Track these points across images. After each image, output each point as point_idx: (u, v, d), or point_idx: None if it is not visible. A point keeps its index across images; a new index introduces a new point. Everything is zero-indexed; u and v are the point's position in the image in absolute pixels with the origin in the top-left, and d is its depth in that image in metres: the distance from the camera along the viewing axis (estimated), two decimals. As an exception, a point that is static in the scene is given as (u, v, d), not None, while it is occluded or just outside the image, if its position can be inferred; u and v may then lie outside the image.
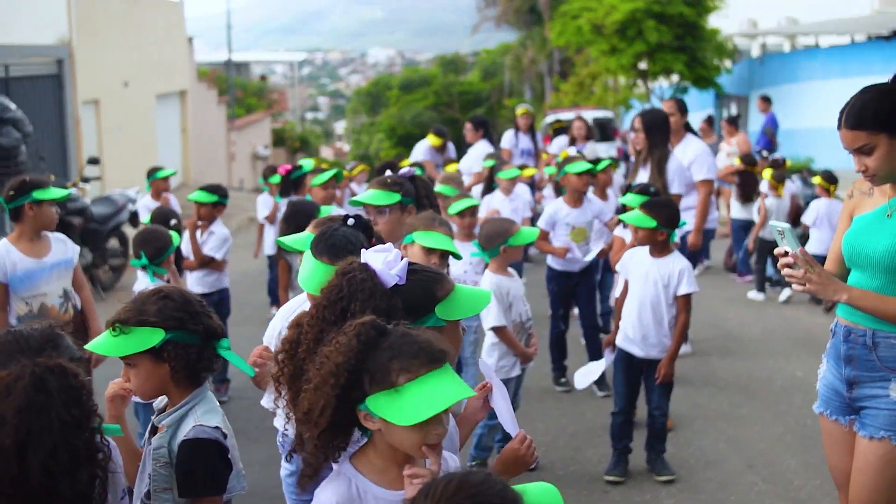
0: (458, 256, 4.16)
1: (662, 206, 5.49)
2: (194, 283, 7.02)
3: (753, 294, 10.46)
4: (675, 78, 25.81)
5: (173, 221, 6.28)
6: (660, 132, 7.28)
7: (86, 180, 12.15)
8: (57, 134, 17.75)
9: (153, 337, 2.63)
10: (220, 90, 35.52)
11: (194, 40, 31.54)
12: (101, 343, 2.67)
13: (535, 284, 9.36)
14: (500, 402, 2.84)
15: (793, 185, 11.59)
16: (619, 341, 5.59)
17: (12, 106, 11.81)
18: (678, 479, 5.59)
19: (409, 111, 49.36)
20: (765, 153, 12.87)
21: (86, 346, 2.68)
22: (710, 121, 15.84)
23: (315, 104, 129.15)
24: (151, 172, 9.24)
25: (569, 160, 7.85)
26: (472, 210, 6.54)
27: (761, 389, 7.29)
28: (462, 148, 13.01)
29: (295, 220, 5.37)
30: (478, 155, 11.20)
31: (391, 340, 2.34)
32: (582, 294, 7.54)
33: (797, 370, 7.68)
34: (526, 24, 42.37)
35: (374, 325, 2.37)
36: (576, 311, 8.01)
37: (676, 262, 5.45)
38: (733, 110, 27.18)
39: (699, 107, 26.35)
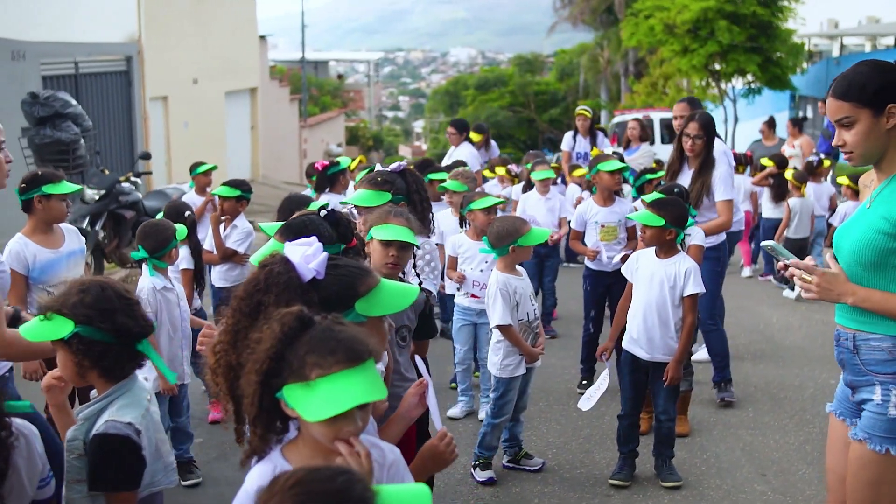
0: (418, 247, 4.14)
1: (671, 205, 5.38)
2: (217, 277, 7.10)
3: (787, 292, 10.51)
4: (748, 79, 25.36)
5: (187, 213, 6.34)
6: (713, 132, 6.81)
7: (138, 175, 12.39)
8: (125, 129, 18.17)
9: (63, 328, 2.66)
10: (294, 88, 35.98)
11: (269, 38, 31.99)
12: (28, 327, 2.71)
13: (575, 284, 9.26)
14: (432, 399, 2.83)
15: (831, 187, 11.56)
16: (625, 343, 5.48)
17: (73, 101, 12.10)
18: (685, 485, 5.46)
19: (484, 111, 49.37)
20: (822, 156, 12.51)
21: (19, 329, 2.72)
22: (771, 122, 15.47)
23: (396, 103, 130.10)
24: (194, 168, 9.37)
25: (600, 158, 7.75)
26: (491, 208, 6.48)
27: (790, 397, 7.10)
28: (533, 148, 12.94)
29: (287, 211, 5.38)
30: (460, 157, 11.07)
31: (312, 334, 2.31)
32: (616, 295, 7.40)
33: (831, 378, 7.45)
34: (602, 23, 42.01)
35: (298, 317, 2.34)
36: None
37: (682, 262, 5.33)
38: (808, 112, 26.54)
39: (774, 108, 25.77)
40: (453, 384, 7.12)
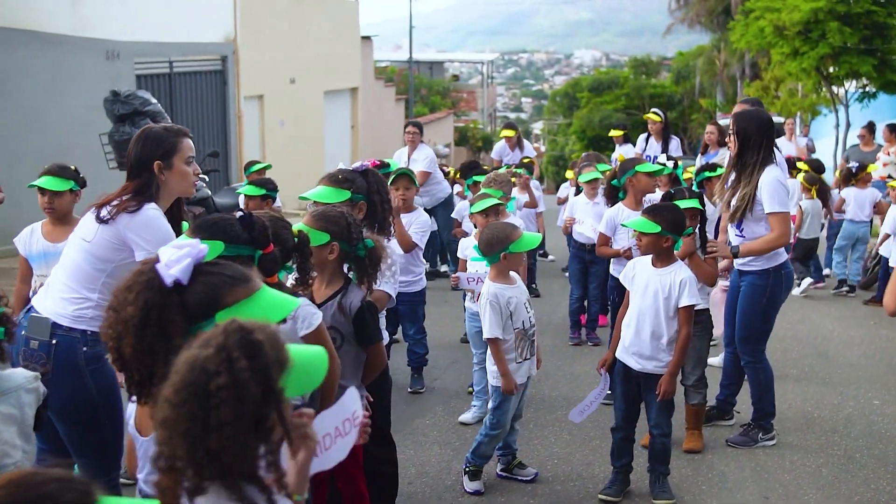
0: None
1: (667, 211, 5.17)
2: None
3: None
4: (862, 82, 24.32)
5: (198, 210, 6.42)
6: (756, 135, 6.01)
7: (206, 173, 12.64)
8: (219, 128, 18.61)
9: None
10: (400, 88, 36.28)
11: (392, 40, 32.25)
12: None
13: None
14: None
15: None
16: (618, 353, 5.30)
17: (152, 100, 12.39)
18: (679, 503, 5.24)
19: (598, 113, 48.90)
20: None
21: None
22: (870, 127, 14.82)
23: (518, 104, 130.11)
24: (248, 166, 9.51)
25: (634, 161, 7.56)
26: (495, 209, 6.36)
27: (823, 416, 6.75)
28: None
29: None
30: (422, 158, 11.12)
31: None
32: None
33: (875, 398, 7.06)
34: (719, 25, 40.97)
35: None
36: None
37: (678, 272, 5.11)
38: (927, 118, 25.29)
39: (892, 113, 24.67)
40: (470, 388, 7.01)
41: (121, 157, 11.75)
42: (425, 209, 11.08)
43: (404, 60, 43.86)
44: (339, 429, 2.61)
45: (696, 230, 5.91)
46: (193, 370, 2.01)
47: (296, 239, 3.70)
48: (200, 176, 12.06)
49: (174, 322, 2.44)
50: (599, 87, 51.63)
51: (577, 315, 8.85)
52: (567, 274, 9.63)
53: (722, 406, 6.59)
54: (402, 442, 6.12)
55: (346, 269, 4.21)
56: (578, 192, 9.35)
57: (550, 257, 13.45)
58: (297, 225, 3.92)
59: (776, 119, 23.34)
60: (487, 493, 5.41)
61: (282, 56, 20.70)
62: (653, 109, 12.37)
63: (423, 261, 7.27)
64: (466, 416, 6.62)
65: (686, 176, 9.54)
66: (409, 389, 7.27)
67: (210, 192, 12.21)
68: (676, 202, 5.62)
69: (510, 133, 13.15)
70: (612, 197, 7.20)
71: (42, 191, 5.69)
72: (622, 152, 12.16)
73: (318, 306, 4.08)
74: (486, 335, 5.25)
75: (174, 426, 1.99)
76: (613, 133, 13.79)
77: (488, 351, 5.46)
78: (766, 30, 24.84)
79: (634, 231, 5.30)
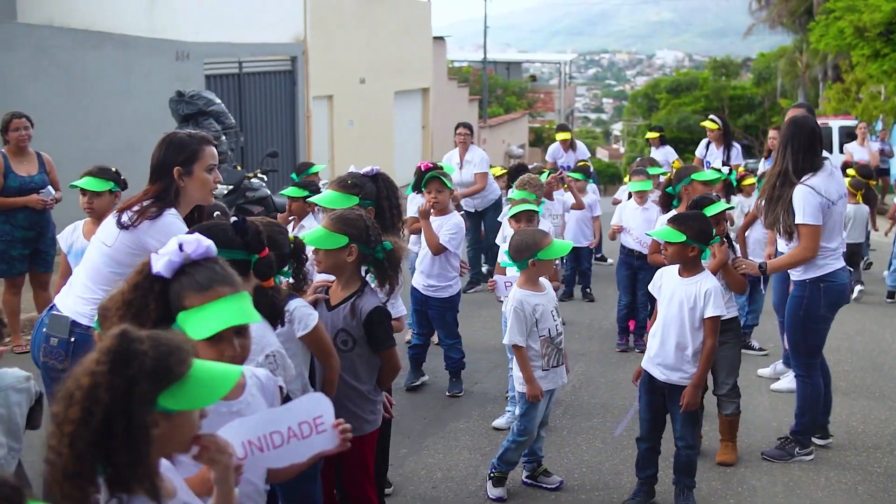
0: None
1: (692, 220, 5.08)
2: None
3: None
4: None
5: (216, 214, 6.50)
6: (795, 143, 5.83)
7: (265, 172, 12.81)
8: (288, 128, 18.84)
9: None
10: (475, 89, 36.27)
11: (470, 40, 32.28)
12: None
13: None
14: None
15: None
16: (644, 362, 5.24)
17: (216, 100, 12.62)
18: (704, 518, 5.16)
19: (676, 115, 48.31)
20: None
21: None
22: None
23: (599, 105, 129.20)
24: (301, 168, 9.60)
25: (688, 169, 7.44)
26: (527, 215, 6.32)
27: (868, 431, 6.57)
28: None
29: None
30: (477, 160, 11.28)
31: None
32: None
33: (926, 415, 6.85)
34: (801, 26, 40.08)
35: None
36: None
37: (704, 282, 5.02)
38: None
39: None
40: (508, 393, 6.99)
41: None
42: (476, 211, 11.12)
43: (481, 61, 43.80)
44: (292, 429, 2.64)
45: (724, 237, 5.81)
46: (78, 368, 2.08)
47: (291, 245, 3.74)
48: (259, 175, 12.30)
49: (148, 309, 2.58)
50: (678, 89, 51.05)
51: (625, 321, 8.76)
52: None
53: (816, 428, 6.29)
54: (432, 445, 6.17)
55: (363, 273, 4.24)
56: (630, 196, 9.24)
57: (609, 261, 13.32)
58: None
59: (849, 123, 22.81)
60: (510, 501, 5.39)
61: (352, 56, 20.87)
62: (710, 116, 12.14)
63: (463, 267, 7.23)
64: (500, 421, 6.59)
65: (748, 182, 9.39)
66: (447, 393, 7.27)
67: (269, 192, 12.38)
68: (708, 208, 5.55)
69: (565, 136, 13.09)
70: (667, 204, 7.10)
71: (83, 191, 5.85)
72: (659, 155, 12.00)
73: (333, 307, 4.12)
74: (506, 341, 5.25)
75: (54, 416, 2.06)
76: (650, 135, 13.69)
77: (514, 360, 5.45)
78: (846, 31, 24.33)
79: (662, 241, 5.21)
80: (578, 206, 10.08)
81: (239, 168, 12.20)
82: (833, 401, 6.95)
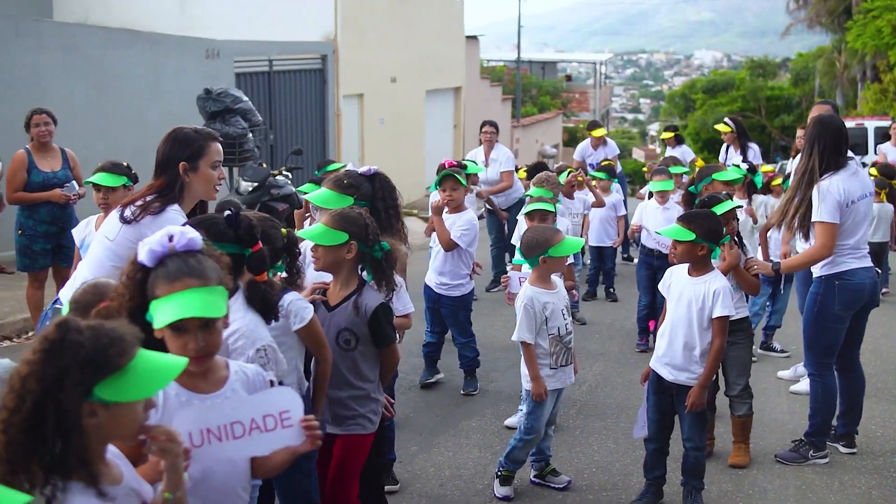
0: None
1: (702, 218, 5.03)
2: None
3: None
4: None
5: (282, 206, 6.54)
6: (819, 142, 5.77)
7: (290, 170, 12.86)
8: (318, 126, 18.89)
9: None
10: (510, 88, 36.19)
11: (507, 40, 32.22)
12: None
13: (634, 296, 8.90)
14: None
15: None
16: (652, 362, 5.19)
17: (244, 97, 12.69)
18: (713, 520, 5.10)
19: (712, 115, 47.87)
20: None
21: None
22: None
23: (636, 105, 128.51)
24: (322, 166, 9.63)
25: (710, 168, 7.40)
26: (541, 213, 6.28)
27: (886, 436, 6.46)
28: (766, 155, 12.61)
29: None
30: (503, 158, 11.16)
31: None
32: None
33: (948, 419, 6.72)
34: (840, 25, 39.58)
35: None
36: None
37: (713, 281, 4.96)
38: None
39: None
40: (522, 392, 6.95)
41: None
42: (503, 209, 11.09)
43: (515, 60, 43.70)
44: (255, 421, 2.64)
45: (735, 237, 5.75)
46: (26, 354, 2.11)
47: (284, 239, 3.74)
48: (284, 172, 12.36)
49: (124, 297, 2.65)
50: (714, 89, 50.58)
51: (645, 322, 8.68)
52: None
53: (842, 437, 6.19)
54: (443, 443, 6.16)
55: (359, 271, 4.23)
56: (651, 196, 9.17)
57: (636, 261, 13.21)
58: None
59: (884, 124, 22.49)
60: (516, 500, 5.36)
61: (383, 55, 20.88)
62: (724, 119, 12.03)
63: (476, 267, 7.20)
64: (512, 420, 6.56)
65: (776, 182, 9.30)
66: (462, 391, 7.26)
67: (294, 189, 12.43)
68: (716, 207, 5.50)
69: (601, 132, 13.02)
70: (689, 203, 7.01)
71: (97, 187, 5.90)
72: (676, 154, 11.90)
73: (333, 307, 4.11)
74: (515, 337, 5.22)
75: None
76: (665, 135, 13.64)
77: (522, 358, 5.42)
78: (883, 30, 24.05)
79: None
80: (599, 203, 10.02)
81: (264, 165, 12.24)
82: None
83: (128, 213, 4.22)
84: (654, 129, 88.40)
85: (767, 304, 8.41)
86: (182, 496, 2.36)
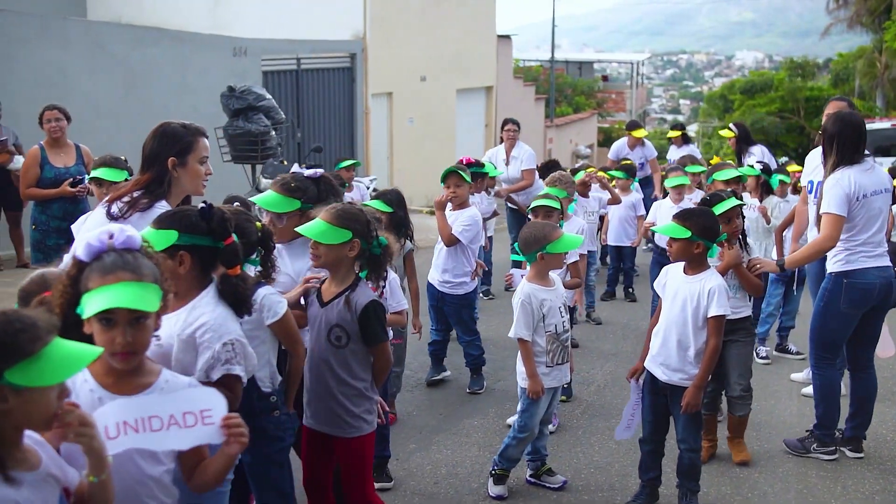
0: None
1: (698, 215, 4.95)
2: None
3: None
4: None
5: (236, 204, 6.53)
6: (833, 137, 5.74)
7: (309, 167, 12.87)
8: (346, 124, 18.93)
9: None
10: (545, 88, 36.05)
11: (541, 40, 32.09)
12: None
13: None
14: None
15: None
16: (647, 362, 5.12)
17: (267, 95, 12.72)
18: (708, 522, 5.02)
19: (750, 116, 47.38)
20: None
21: None
22: None
23: (676, 106, 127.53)
24: (337, 163, 9.66)
25: (716, 167, 7.31)
26: (545, 210, 6.22)
27: (895, 441, 6.31)
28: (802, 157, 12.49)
29: None
30: (525, 156, 11.10)
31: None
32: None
33: (961, 425, 6.57)
34: (881, 25, 39.00)
35: None
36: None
37: (708, 280, 4.88)
38: None
39: None
40: None
41: (234, 151, 12.13)
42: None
43: (550, 60, 43.55)
44: (174, 417, 2.62)
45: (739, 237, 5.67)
46: None
47: (259, 233, 3.72)
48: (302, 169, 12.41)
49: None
50: (752, 90, 50.06)
51: (658, 322, 8.58)
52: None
53: (849, 440, 6.10)
54: (442, 441, 6.14)
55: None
56: (666, 195, 9.08)
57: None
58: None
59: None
60: (510, 499, 5.31)
61: (413, 54, 20.88)
62: (729, 125, 11.90)
63: (479, 266, 7.16)
64: (514, 419, 6.50)
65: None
66: (468, 390, 7.21)
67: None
68: (718, 205, 5.43)
69: (641, 133, 12.86)
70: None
71: (99, 181, 5.93)
72: (682, 153, 11.77)
73: (326, 303, 4.08)
74: (512, 334, 5.17)
75: None
76: (671, 134, 13.54)
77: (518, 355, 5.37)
78: (923, 30, 23.57)
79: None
80: (615, 200, 9.95)
81: (285, 163, 12.28)
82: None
83: (115, 209, 4.22)
84: (692, 129, 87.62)
85: (780, 304, 8.28)
86: (107, 479, 2.38)
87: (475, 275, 7.09)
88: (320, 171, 4.80)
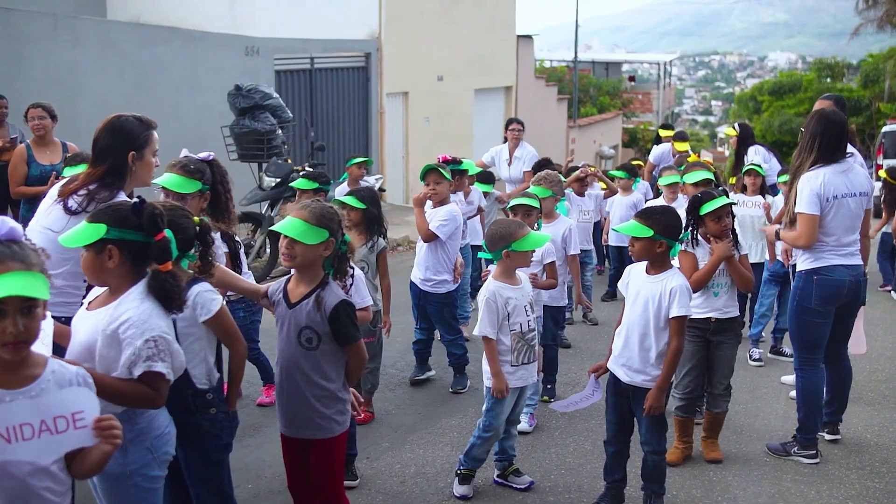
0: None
1: (660, 214, 4.88)
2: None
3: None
4: None
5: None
6: (812, 136, 5.75)
7: (313, 166, 12.88)
8: (360, 124, 18.94)
9: None
10: (567, 88, 35.89)
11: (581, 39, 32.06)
12: None
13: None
14: None
15: None
16: (609, 362, 5.06)
17: (274, 94, 12.75)
18: (673, 526, 4.95)
19: (778, 117, 47.03)
20: None
21: None
22: None
23: (708, 107, 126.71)
24: (349, 160, 9.69)
25: (691, 167, 7.27)
26: (524, 209, 6.15)
27: (879, 444, 6.20)
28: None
29: None
30: (527, 157, 11.34)
31: None
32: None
33: (949, 428, 6.45)
34: (911, 26, 38.53)
35: None
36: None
37: (670, 280, 4.81)
38: None
39: None
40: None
41: (241, 150, 12.17)
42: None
43: (578, 60, 43.37)
44: (45, 423, 2.61)
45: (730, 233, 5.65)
46: None
47: (197, 228, 3.70)
48: (307, 169, 12.43)
49: None
50: (781, 91, 49.64)
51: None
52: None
53: (826, 424, 6.19)
54: (416, 440, 6.11)
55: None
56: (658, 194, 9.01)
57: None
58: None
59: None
60: (475, 499, 5.27)
61: (429, 53, 20.85)
62: (734, 123, 11.77)
63: (459, 267, 7.12)
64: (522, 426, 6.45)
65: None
66: (450, 389, 7.18)
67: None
68: (708, 203, 5.42)
69: (685, 146, 12.57)
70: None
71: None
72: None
73: (294, 304, 4.04)
74: (476, 332, 5.13)
75: None
76: (663, 133, 13.33)
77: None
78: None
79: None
80: (611, 192, 9.98)
81: (289, 161, 12.30)
82: (854, 411, 6.67)
83: (72, 203, 4.23)
84: (722, 131, 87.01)
85: (775, 305, 8.20)
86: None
87: (458, 275, 7.05)
88: (212, 154, 4.92)
